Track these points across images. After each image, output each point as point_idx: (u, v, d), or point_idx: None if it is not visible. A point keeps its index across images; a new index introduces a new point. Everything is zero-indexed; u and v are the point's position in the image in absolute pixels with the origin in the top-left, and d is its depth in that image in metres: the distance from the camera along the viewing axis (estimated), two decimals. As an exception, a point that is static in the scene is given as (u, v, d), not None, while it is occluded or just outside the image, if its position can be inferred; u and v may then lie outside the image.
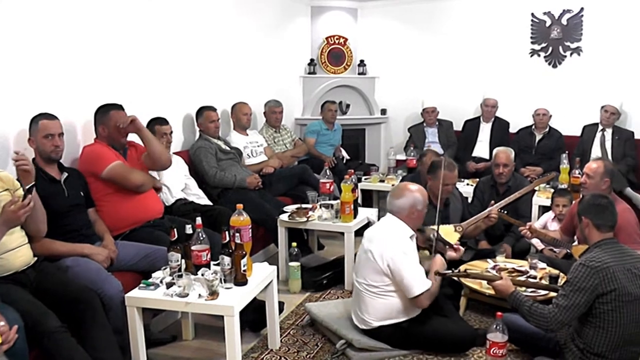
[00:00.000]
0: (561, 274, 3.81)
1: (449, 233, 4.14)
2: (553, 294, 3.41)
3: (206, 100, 5.21)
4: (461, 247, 3.96)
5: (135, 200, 3.79)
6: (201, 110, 5.10)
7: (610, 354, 2.93)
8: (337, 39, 7.48)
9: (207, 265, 3.17)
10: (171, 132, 4.51)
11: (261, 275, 3.29)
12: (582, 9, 6.61)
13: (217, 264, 3.13)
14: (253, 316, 3.56)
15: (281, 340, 3.62)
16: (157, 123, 4.43)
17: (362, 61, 7.61)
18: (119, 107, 3.84)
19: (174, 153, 4.71)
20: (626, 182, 5.62)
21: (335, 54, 7.51)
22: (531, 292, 3.61)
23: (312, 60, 7.42)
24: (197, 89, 5.29)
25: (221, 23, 5.66)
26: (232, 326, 2.90)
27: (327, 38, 7.44)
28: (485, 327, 3.50)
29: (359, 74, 7.64)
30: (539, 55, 6.91)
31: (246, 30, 6.09)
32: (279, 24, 6.84)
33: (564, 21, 6.72)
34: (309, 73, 7.42)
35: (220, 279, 3.01)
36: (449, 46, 7.32)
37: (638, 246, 3.72)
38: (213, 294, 2.93)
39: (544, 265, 4.04)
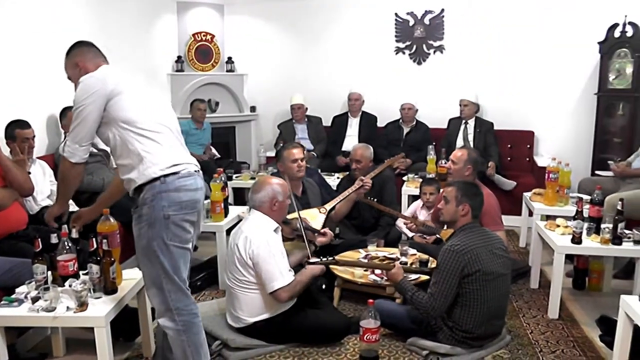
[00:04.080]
0: (431, 258, 4.02)
1: (314, 216, 4.21)
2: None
3: (70, 100, 4.90)
4: (329, 231, 4.07)
5: (-6, 211, 3.53)
6: (65, 111, 4.82)
7: (477, 329, 3.15)
8: (204, 35, 7.38)
9: (75, 276, 3.03)
10: (33, 136, 4.21)
11: (132, 281, 3.18)
12: (442, 9, 6.96)
13: (87, 274, 3.00)
14: (126, 325, 3.44)
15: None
16: (18, 127, 4.11)
17: (230, 58, 7.56)
18: None
19: (38, 157, 4.45)
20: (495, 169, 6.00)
21: (202, 51, 7.40)
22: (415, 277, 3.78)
23: (179, 57, 7.27)
24: (60, 89, 4.96)
25: (83, 18, 5.41)
26: (103, 337, 2.79)
27: (194, 35, 7.32)
28: (359, 315, 3.59)
29: (227, 71, 7.58)
30: (404, 53, 7.19)
31: (110, 25, 5.84)
32: (144, 19, 6.66)
33: (426, 21, 7.03)
34: (177, 71, 7.26)
35: (90, 289, 2.89)
36: (316, 43, 7.44)
37: (498, 227, 4.05)
38: (82, 305, 2.80)
39: (414, 251, 4.23)
